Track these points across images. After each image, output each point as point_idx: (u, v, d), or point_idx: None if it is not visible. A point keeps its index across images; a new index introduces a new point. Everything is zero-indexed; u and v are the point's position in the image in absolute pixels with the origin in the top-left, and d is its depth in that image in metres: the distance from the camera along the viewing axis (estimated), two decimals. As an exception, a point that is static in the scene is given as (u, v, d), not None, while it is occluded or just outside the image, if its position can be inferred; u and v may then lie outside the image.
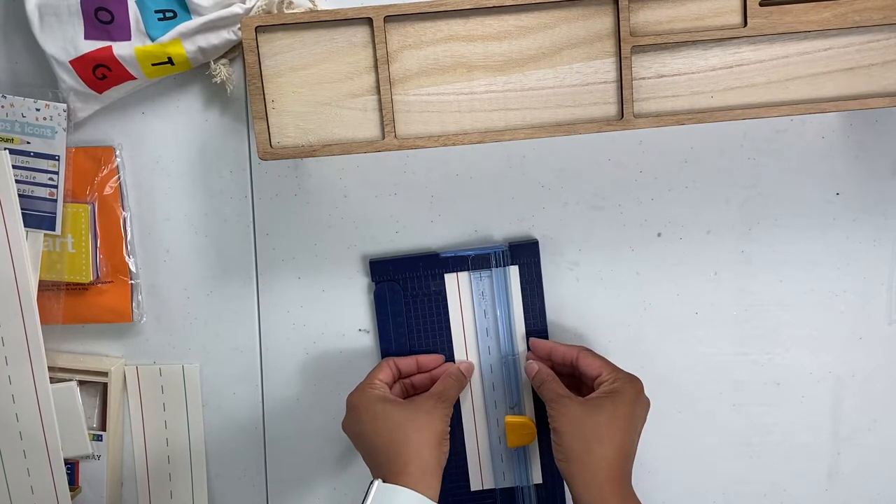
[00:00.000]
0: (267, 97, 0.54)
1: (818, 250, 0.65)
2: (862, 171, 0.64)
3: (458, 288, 0.65)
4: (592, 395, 0.58)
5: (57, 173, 0.62)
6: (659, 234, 0.65)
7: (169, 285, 0.66)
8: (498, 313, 0.65)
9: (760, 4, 0.53)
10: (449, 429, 0.59)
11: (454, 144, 0.54)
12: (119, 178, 0.64)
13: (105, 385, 0.66)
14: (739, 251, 0.65)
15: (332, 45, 0.54)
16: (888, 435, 0.67)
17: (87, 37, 0.58)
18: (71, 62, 0.59)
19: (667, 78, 0.54)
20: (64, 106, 0.61)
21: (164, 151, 0.64)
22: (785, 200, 0.64)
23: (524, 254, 0.64)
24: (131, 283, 0.65)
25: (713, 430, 0.67)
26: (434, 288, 0.65)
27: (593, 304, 0.66)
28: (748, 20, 0.53)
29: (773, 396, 0.67)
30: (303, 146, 0.55)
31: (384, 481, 0.54)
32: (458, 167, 0.64)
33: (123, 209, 0.64)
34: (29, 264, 0.62)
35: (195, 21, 0.58)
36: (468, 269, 0.65)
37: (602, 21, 0.53)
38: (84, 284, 0.64)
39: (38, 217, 0.63)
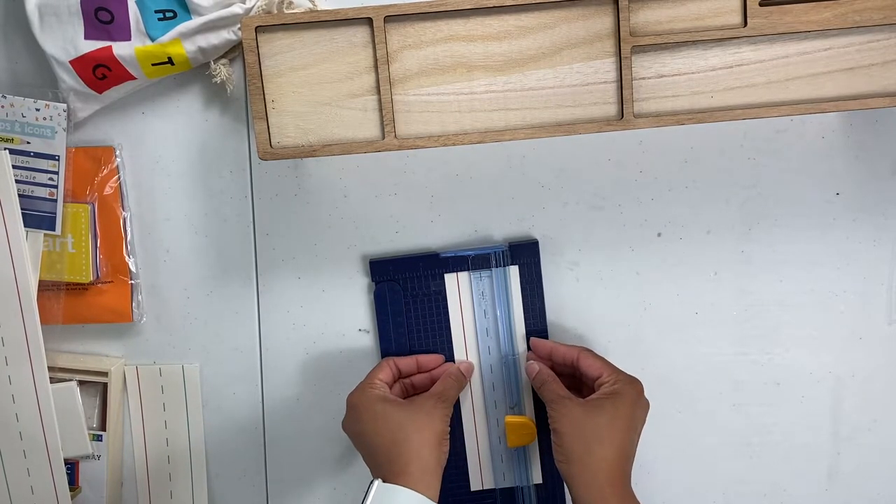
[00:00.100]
0: (267, 97, 0.54)
1: (818, 250, 0.65)
2: (862, 171, 0.64)
3: (458, 288, 0.65)
4: (593, 396, 0.58)
5: (57, 173, 0.62)
6: (659, 234, 0.65)
7: (169, 285, 0.66)
8: (498, 313, 0.65)
9: (760, 4, 0.53)
10: (449, 429, 0.59)
11: (454, 144, 0.54)
12: (119, 178, 0.64)
13: (105, 385, 0.66)
14: (739, 251, 0.65)
15: (332, 45, 0.54)
16: (888, 435, 0.67)
17: (87, 37, 0.58)
18: (71, 62, 0.59)
19: (667, 78, 0.54)
20: (64, 106, 0.61)
21: (164, 151, 0.64)
22: (785, 200, 0.64)
23: (524, 254, 0.64)
24: (131, 283, 0.65)
25: (713, 430, 0.67)
26: (434, 288, 0.65)
27: (593, 304, 0.66)
28: (748, 20, 0.53)
29: (773, 396, 0.67)
30: (303, 146, 0.55)
31: (384, 481, 0.54)
32: (458, 167, 0.64)
33: (123, 209, 0.64)
34: (29, 264, 0.62)
35: (195, 21, 0.58)
36: (468, 269, 0.65)
37: (602, 21, 0.53)
38: (84, 284, 0.64)
39: (38, 217, 0.63)
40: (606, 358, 0.61)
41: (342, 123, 0.55)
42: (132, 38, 0.58)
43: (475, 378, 0.66)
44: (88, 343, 0.67)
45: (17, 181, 0.61)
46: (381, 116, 0.54)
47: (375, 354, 0.66)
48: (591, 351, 0.61)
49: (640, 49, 0.54)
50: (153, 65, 0.59)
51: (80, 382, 0.66)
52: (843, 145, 0.64)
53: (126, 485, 0.69)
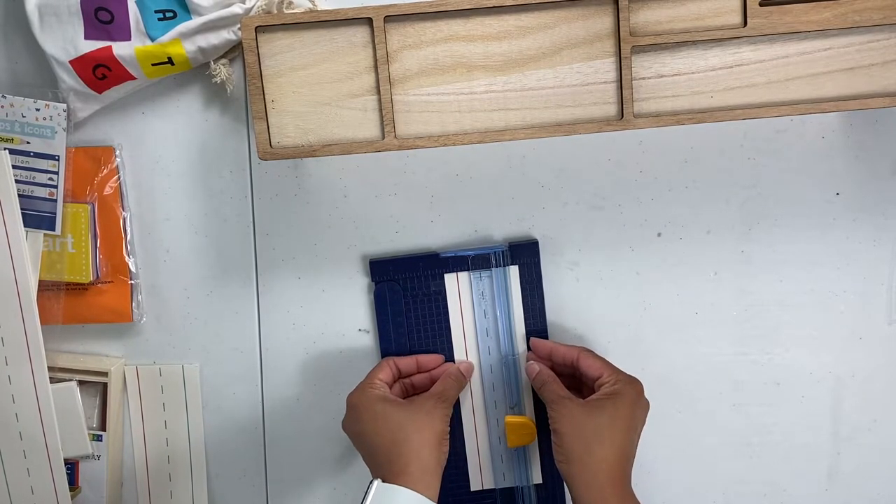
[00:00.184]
0: (267, 97, 0.54)
1: (818, 250, 0.65)
2: (862, 171, 0.64)
3: (458, 288, 0.65)
4: (593, 396, 0.58)
5: (57, 173, 0.62)
6: (659, 234, 0.65)
7: (169, 285, 0.66)
8: (498, 313, 0.65)
9: (760, 4, 0.53)
10: (449, 429, 0.59)
11: (454, 144, 0.54)
12: (119, 178, 0.64)
13: (105, 385, 0.66)
14: (739, 251, 0.65)
15: (332, 45, 0.54)
16: (888, 435, 0.67)
17: (87, 37, 0.58)
18: (71, 62, 0.59)
19: (667, 78, 0.54)
20: (64, 106, 0.61)
21: (164, 151, 0.64)
22: (785, 200, 0.64)
23: (524, 254, 0.64)
24: (131, 283, 0.65)
25: (713, 430, 0.67)
26: (434, 288, 0.65)
27: (593, 304, 0.66)
28: (748, 20, 0.53)
29: (773, 396, 0.67)
30: (303, 146, 0.55)
31: (384, 481, 0.54)
32: (458, 167, 0.64)
33: (123, 209, 0.64)
34: (29, 264, 0.62)
35: (195, 21, 0.58)
36: (468, 269, 0.65)
37: (602, 21, 0.53)
38: (84, 284, 0.64)
39: (38, 217, 0.63)
40: (606, 358, 0.61)
41: (342, 123, 0.55)
42: (132, 38, 0.58)
43: (475, 378, 0.66)
44: (88, 343, 0.67)
45: (17, 181, 0.61)
46: (381, 116, 0.54)
47: (375, 354, 0.66)
48: (591, 351, 0.61)
49: (640, 49, 0.54)
50: (153, 65, 0.59)
51: (80, 382, 0.66)
52: (843, 145, 0.64)
53: (126, 485, 0.69)
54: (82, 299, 0.64)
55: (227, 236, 0.65)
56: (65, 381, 0.65)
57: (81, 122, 0.63)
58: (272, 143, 0.55)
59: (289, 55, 0.54)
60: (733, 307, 0.66)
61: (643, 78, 0.54)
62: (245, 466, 0.68)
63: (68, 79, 0.59)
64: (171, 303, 0.66)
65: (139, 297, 0.65)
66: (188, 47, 0.58)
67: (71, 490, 0.66)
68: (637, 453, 0.58)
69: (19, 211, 0.61)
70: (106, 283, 0.64)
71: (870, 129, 0.63)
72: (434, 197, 0.65)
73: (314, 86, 0.54)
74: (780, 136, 0.64)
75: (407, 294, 0.65)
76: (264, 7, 0.58)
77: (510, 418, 0.65)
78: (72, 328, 0.66)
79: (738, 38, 0.53)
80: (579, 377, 0.62)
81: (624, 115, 0.54)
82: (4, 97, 0.61)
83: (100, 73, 0.59)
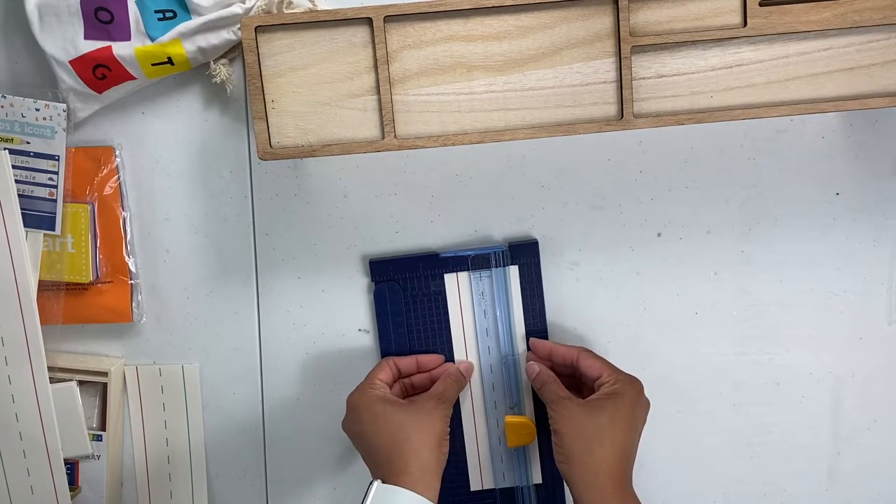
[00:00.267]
0: (267, 97, 0.54)
1: (818, 250, 0.65)
2: (862, 171, 0.64)
3: (458, 288, 0.65)
4: (593, 396, 0.58)
5: (57, 173, 0.62)
6: (659, 234, 0.65)
7: (169, 285, 0.66)
8: (498, 313, 0.65)
9: (760, 4, 0.53)
10: (449, 429, 0.59)
11: (454, 144, 0.54)
12: (119, 178, 0.64)
13: (105, 385, 0.66)
14: (739, 251, 0.65)
15: (332, 45, 0.54)
16: (888, 435, 0.67)
17: (86, 37, 0.58)
18: (71, 62, 0.59)
19: (667, 78, 0.54)
20: (64, 106, 0.61)
21: (164, 151, 0.64)
22: (785, 200, 0.64)
23: (524, 254, 0.64)
24: (131, 283, 0.65)
25: (713, 430, 0.67)
26: (434, 288, 0.65)
27: (593, 304, 0.66)
28: (748, 20, 0.53)
29: (773, 396, 0.67)
30: (303, 146, 0.55)
31: (384, 482, 0.54)
32: (458, 167, 0.64)
33: (123, 209, 0.64)
34: (29, 264, 0.62)
35: (195, 21, 0.58)
36: (468, 269, 0.65)
37: (602, 21, 0.53)
38: (84, 284, 0.64)
39: (37, 217, 0.63)
40: (606, 358, 0.61)
41: (342, 123, 0.55)
42: (132, 38, 0.58)
43: (475, 378, 0.66)
44: (88, 343, 0.67)
45: (16, 181, 0.61)
46: (381, 116, 0.54)
47: (375, 354, 0.66)
48: (590, 351, 0.61)
49: (639, 49, 0.54)
50: (153, 65, 0.59)
51: (80, 382, 0.66)
52: (843, 145, 0.64)
53: (126, 485, 0.69)
54: (82, 299, 0.64)
55: (227, 236, 0.65)
56: (65, 381, 0.65)
57: (81, 122, 0.63)
58: (272, 143, 0.55)
59: (289, 55, 0.54)
60: (733, 307, 0.66)
61: (643, 78, 0.54)
62: (245, 466, 0.68)
63: (68, 79, 0.59)
64: (171, 303, 0.66)
65: (139, 297, 0.65)
66: (188, 47, 0.58)
67: (71, 490, 0.66)
68: (637, 453, 0.58)
69: (19, 211, 0.61)
70: (106, 283, 0.64)
71: (870, 129, 0.63)
72: (434, 197, 0.65)
73: (314, 86, 0.54)
74: (780, 136, 0.64)
75: (407, 294, 0.65)
76: (264, 7, 0.58)
77: (510, 418, 0.65)
78: (72, 328, 0.66)
79: (737, 38, 0.53)
80: (579, 377, 0.62)
81: (624, 115, 0.54)
82: (4, 97, 0.61)
83: (100, 73, 0.59)
